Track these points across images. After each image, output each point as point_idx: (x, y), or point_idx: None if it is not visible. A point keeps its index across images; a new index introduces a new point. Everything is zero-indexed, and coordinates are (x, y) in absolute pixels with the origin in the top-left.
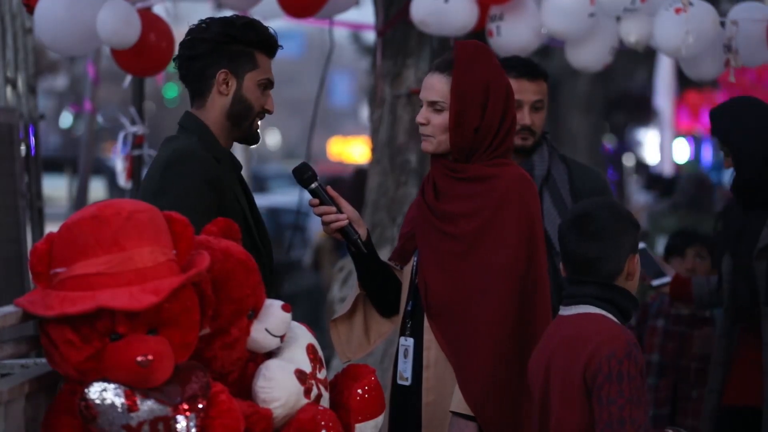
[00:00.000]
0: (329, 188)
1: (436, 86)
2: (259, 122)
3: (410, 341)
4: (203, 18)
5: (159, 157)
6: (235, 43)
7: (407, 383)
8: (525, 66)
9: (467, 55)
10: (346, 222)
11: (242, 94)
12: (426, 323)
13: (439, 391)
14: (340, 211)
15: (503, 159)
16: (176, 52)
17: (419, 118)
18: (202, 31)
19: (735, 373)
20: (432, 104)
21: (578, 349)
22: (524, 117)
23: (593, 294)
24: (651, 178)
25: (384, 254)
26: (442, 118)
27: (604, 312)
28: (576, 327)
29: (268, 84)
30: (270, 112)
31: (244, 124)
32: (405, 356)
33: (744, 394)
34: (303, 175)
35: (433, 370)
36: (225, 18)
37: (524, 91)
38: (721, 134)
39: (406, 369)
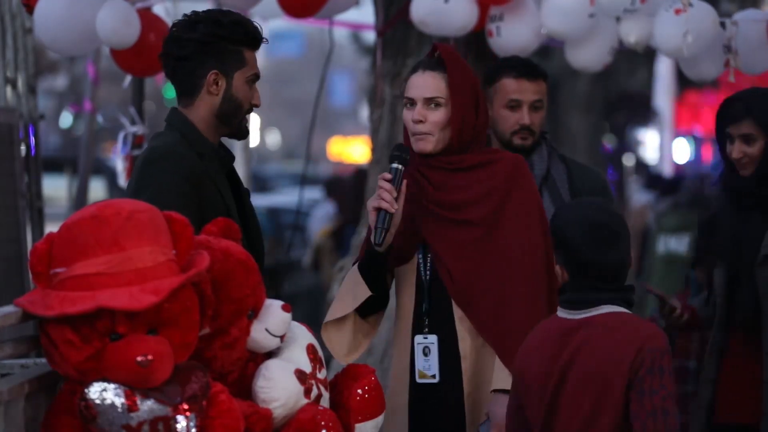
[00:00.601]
0: (405, 183)
1: (432, 83)
2: (248, 117)
3: (433, 338)
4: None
5: (140, 155)
6: (223, 42)
7: (434, 380)
8: (525, 66)
9: (452, 55)
10: (393, 210)
11: (232, 93)
12: (456, 314)
13: (478, 380)
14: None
15: (490, 148)
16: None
17: (415, 116)
18: (189, 29)
19: (727, 388)
20: (429, 101)
21: (621, 349)
22: (524, 117)
23: (614, 296)
24: (651, 178)
25: None
26: (440, 115)
27: (625, 310)
28: (608, 327)
29: (255, 78)
30: (258, 106)
31: (233, 121)
32: (426, 354)
33: (737, 411)
34: (402, 154)
35: (470, 359)
36: (211, 15)
37: (524, 91)
38: (758, 115)
39: (430, 367)
